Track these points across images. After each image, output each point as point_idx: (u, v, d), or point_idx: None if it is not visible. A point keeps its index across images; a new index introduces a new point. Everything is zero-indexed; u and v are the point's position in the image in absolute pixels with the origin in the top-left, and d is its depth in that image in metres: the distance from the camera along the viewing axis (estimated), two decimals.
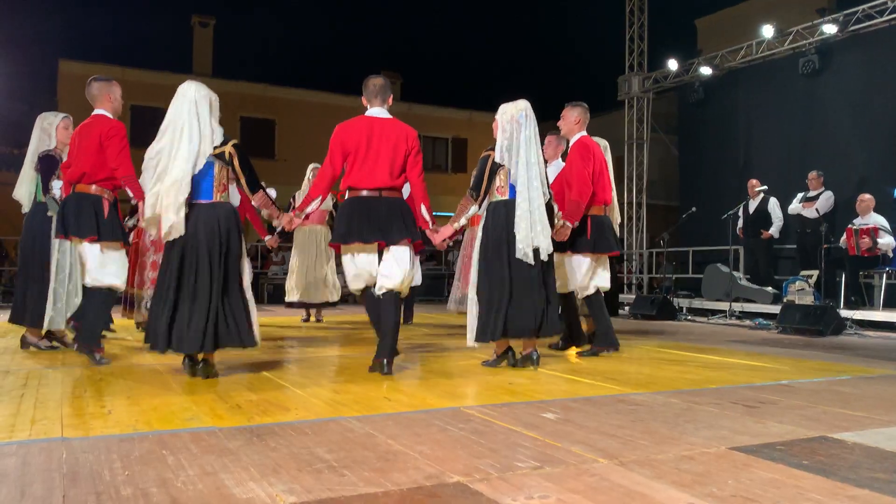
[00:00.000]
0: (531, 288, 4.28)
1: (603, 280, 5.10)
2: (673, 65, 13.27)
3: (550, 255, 4.37)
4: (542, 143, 4.66)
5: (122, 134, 4.41)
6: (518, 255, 4.23)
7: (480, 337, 4.31)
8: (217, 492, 1.92)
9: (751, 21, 13.09)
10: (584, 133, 5.08)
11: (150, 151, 3.95)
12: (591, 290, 5.06)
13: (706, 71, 12.55)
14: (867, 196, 8.57)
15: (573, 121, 5.08)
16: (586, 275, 5.02)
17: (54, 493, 1.91)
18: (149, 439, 2.48)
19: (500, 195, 4.40)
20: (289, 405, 3.14)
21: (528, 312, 4.25)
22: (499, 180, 4.40)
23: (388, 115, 4.26)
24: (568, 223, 4.75)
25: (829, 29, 10.48)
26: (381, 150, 4.11)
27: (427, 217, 4.28)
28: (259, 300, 13.99)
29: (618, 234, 6.15)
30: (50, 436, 2.53)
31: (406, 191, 4.35)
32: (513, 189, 4.34)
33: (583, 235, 4.92)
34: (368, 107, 4.29)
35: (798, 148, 10.91)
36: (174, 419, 2.82)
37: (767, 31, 11.40)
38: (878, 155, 9.78)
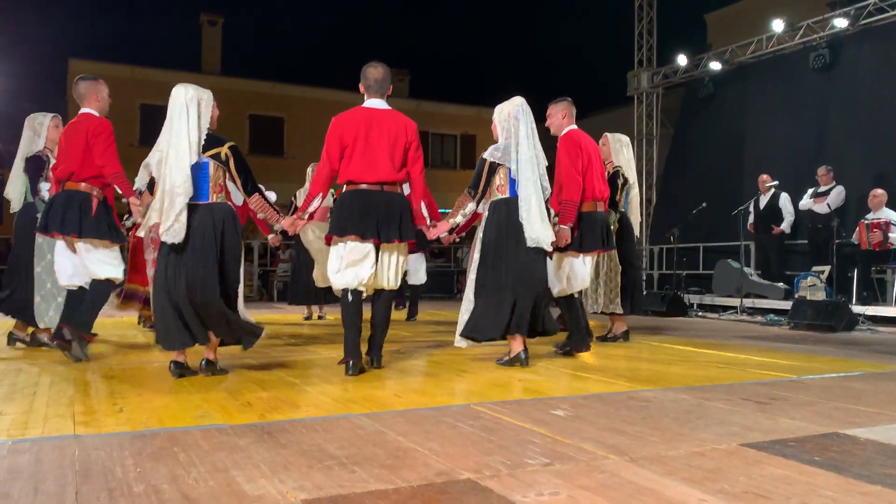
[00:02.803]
0: (532, 286, 4.26)
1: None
2: (682, 60, 13.23)
3: (545, 255, 4.36)
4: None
5: (109, 131, 4.42)
6: (529, 244, 4.19)
7: (479, 335, 4.30)
8: (228, 488, 1.92)
9: (761, 15, 13.01)
10: (573, 126, 4.95)
11: (152, 156, 3.89)
12: (570, 290, 4.92)
13: (716, 66, 12.50)
14: (880, 191, 8.51)
15: (560, 116, 4.94)
16: (578, 272, 4.92)
17: (67, 489, 1.92)
18: (160, 436, 2.49)
19: (500, 193, 4.36)
20: (299, 402, 3.15)
21: (527, 310, 4.25)
22: (498, 179, 4.36)
23: (387, 107, 4.14)
24: (563, 227, 4.67)
25: (841, 23, 10.41)
26: (381, 143, 4.00)
27: (426, 213, 4.24)
28: (269, 298, 14.06)
29: (636, 234, 6.07)
30: (62, 433, 2.55)
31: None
32: (513, 187, 4.30)
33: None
34: (366, 97, 4.15)
35: (809, 143, 10.84)
36: (185, 416, 2.84)
37: (778, 25, 11.34)
38: (890, 149, 9.69)
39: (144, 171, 6.48)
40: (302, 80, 23.22)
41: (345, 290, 4.04)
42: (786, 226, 9.72)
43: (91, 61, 19.52)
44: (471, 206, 4.41)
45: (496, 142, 4.44)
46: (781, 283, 9.32)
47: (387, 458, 2.23)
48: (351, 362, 3.96)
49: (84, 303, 4.47)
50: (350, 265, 4.00)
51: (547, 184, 4.37)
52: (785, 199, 9.74)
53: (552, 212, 4.60)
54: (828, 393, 3.47)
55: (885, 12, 9.91)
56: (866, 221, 8.26)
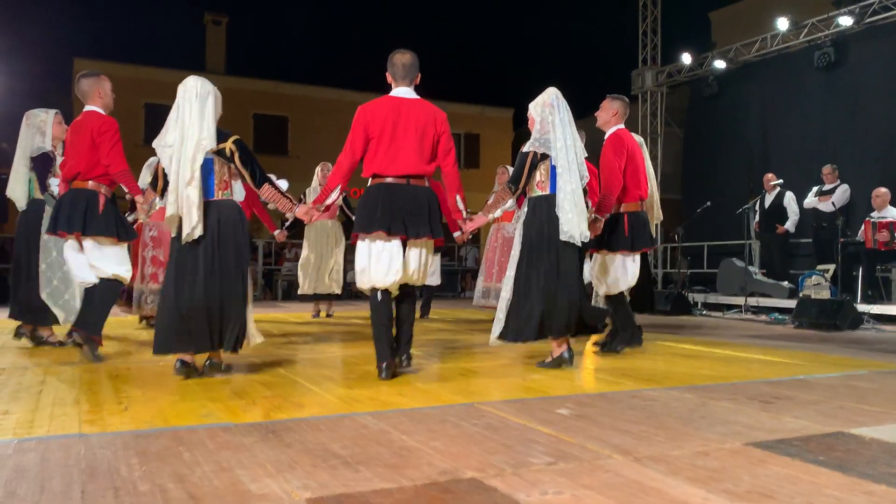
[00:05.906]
0: (571, 285, 4.15)
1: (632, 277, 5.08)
2: (687, 58, 13.20)
3: (582, 250, 4.27)
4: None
5: (115, 129, 4.39)
6: (563, 237, 4.08)
7: (513, 336, 4.18)
8: (233, 487, 1.93)
9: (765, 14, 12.97)
10: (621, 126, 4.95)
11: (160, 142, 3.73)
12: (614, 290, 4.97)
13: (720, 64, 12.48)
14: (883, 190, 8.49)
15: (611, 113, 4.95)
16: (629, 271, 4.94)
17: (73, 488, 1.93)
18: (165, 435, 2.50)
19: (540, 190, 4.24)
20: (303, 401, 3.16)
21: (564, 311, 4.13)
22: (539, 174, 4.23)
23: (416, 96, 3.96)
24: (599, 217, 4.65)
25: (845, 21, 10.38)
26: (409, 134, 3.82)
27: (461, 206, 4.07)
28: (273, 297, 14.07)
29: (653, 233, 6.09)
30: (68, 432, 2.56)
31: None
32: (553, 183, 4.18)
33: (619, 233, 4.83)
34: (394, 86, 3.97)
35: (813, 142, 10.82)
36: (190, 415, 2.84)
37: (782, 23, 11.32)
38: (894, 148, 9.67)
39: (147, 170, 6.52)
40: (306, 80, 23.24)
41: (374, 290, 3.85)
42: (790, 225, 9.69)
43: (95, 61, 19.55)
44: (511, 202, 4.35)
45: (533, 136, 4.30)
46: (786, 282, 9.31)
47: (391, 457, 2.24)
48: (385, 364, 3.77)
49: (93, 302, 4.46)
50: (378, 263, 3.82)
51: (585, 171, 4.25)
52: (790, 198, 9.71)
53: (589, 204, 4.56)
54: (832, 392, 3.46)
55: (890, 10, 9.88)
56: (872, 220, 8.24)
